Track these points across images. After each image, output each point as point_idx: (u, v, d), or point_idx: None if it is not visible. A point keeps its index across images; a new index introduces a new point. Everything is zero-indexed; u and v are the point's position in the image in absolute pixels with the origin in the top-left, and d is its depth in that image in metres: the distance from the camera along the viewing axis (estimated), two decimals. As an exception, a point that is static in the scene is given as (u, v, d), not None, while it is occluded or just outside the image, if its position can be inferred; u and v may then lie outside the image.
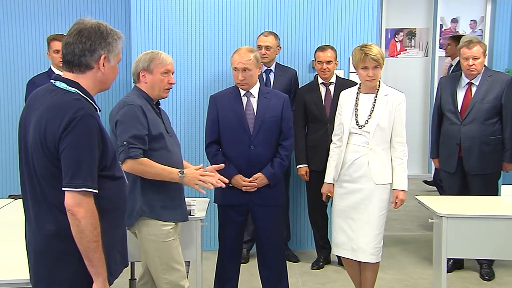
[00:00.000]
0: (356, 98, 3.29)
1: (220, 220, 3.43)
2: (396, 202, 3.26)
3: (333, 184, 3.36)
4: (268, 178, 3.29)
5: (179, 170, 2.71)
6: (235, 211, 3.36)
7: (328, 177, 3.39)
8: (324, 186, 3.42)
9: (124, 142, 2.62)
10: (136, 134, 2.65)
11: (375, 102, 3.23)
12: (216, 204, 3.44)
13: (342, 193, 3.30)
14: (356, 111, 3.26)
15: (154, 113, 2.79)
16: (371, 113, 3.22)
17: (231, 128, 3.28)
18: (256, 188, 3.29)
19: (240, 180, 3.27)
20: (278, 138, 3.34)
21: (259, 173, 3.28)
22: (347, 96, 3.34)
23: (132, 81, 2.90)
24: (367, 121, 3.21)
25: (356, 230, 3.24)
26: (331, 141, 3.43)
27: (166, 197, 2.77)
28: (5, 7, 5.01)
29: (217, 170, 3.29)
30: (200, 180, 2.74)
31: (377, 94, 3.24)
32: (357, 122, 3.24)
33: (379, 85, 3.27)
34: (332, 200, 3.41)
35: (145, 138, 2.67)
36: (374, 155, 3.20)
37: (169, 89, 2.86)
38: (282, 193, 3.51)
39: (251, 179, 3.27)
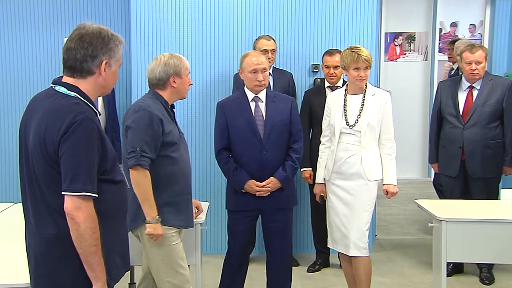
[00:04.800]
0: (344, 99, 3.38)
1: (231, 225, 3.40)
2: (388, 197, 3.39)
3: (324, 183, 3.43)
4: (281, 182, 3.29)
5: (156, 216, 2.64)
6: (246, 216, 3.35)
7: (319, 177, 3.47)
8: (316, 186, 3.50)
9: (138, 149, 2.59)
10: (149, 142, 2.62)
11: (363, 102, 3.33)
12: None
13: (335, 191, 3.37)
14: (345, 112, 3.34)
15: (169, 117, 2.76)
16: (360, 112, 3.30)
17: (241, 134, 3.27)
18: (269, 193, 3.29)
19: (253, 185, 3.27)
20: (288, 141, 3.34)
21: (272, 177, 3.28)
22: (334, 98, 3.44)
23: (149, 85, 2.83)
24: (357, 120, 3.30)
25: (348, 226, 3.32)
26: (320, 142, 3.49)
27: (173, 202, 2.75)
28: (4, 12, 5.00)
29: (228, 177, 3.29)
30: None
31: (365, 94, 3.35)
32: (347, 122, 3.32)
33: (366, 85, 3.37)
34: (326, 200, 3.46)
35: (157, 147, 2.65)
36: (366, 153, 3.29)
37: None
38: (294, 196, 3.49)
39: (264, 183, 3.27)
